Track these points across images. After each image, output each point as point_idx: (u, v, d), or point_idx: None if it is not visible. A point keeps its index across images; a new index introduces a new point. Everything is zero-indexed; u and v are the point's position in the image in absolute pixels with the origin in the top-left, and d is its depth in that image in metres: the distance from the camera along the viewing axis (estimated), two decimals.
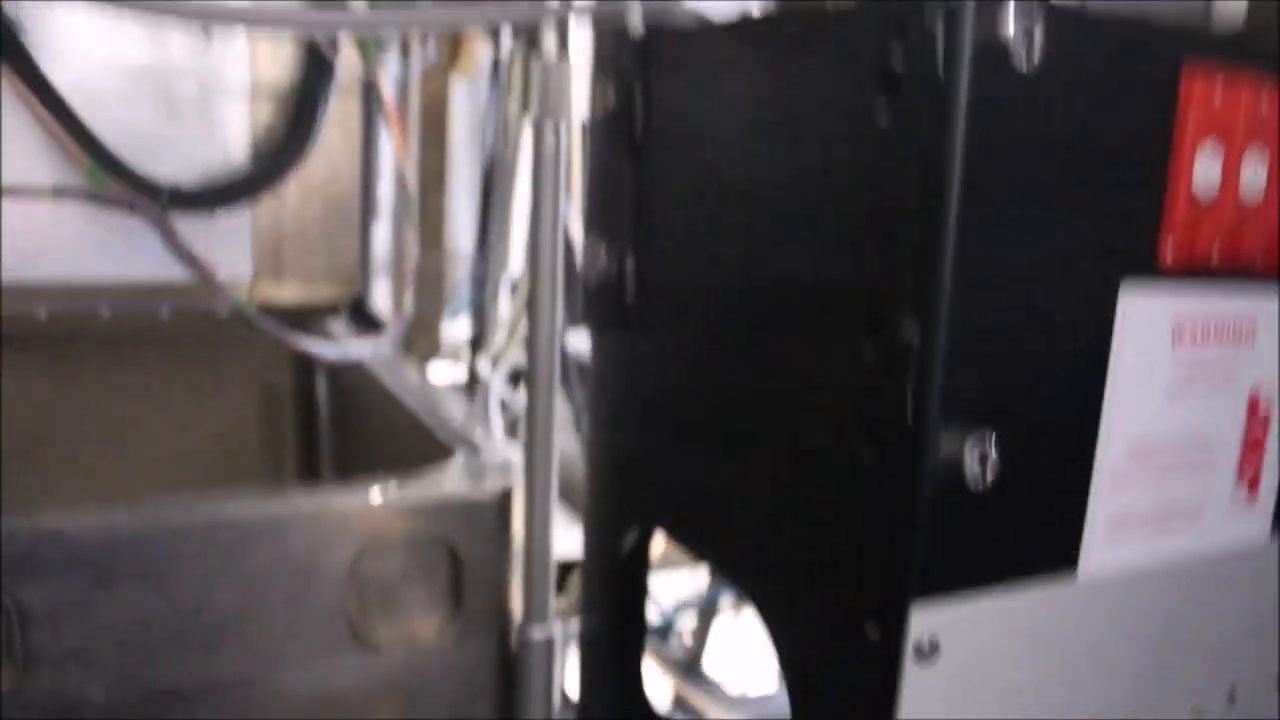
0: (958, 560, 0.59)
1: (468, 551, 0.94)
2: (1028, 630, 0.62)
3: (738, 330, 0.71)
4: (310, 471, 1.58)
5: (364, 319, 1.44)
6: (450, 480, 0.95)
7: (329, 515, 0.89)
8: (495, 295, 1.44)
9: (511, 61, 1.31)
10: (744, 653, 1.25)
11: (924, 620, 0.58)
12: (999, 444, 0.57)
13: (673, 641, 1.19)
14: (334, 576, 0.89)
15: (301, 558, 0.88)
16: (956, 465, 0.56)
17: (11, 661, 0.80)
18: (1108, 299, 0.61)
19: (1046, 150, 0.57)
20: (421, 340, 1.44)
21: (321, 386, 1.55)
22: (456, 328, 1.65)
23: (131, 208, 1.15)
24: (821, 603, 0.64)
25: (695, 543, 0.79)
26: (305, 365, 1.54)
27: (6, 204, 1.11)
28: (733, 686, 1.13)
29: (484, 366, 1.42)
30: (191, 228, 1.20)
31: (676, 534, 0.81)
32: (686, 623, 1.21)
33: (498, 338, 1.42)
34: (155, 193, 1.13)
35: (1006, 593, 0.61)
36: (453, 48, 1.39)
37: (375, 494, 0.91)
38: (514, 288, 1.54)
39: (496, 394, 1.47)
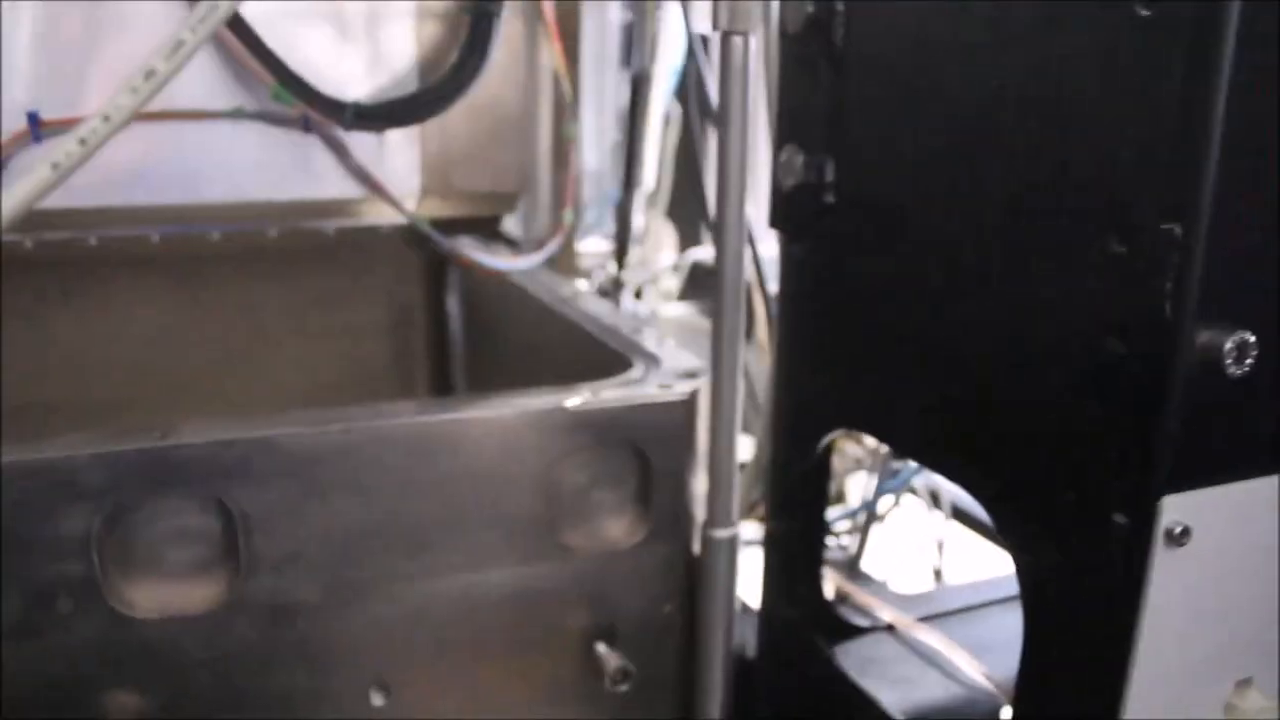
0: (1210, 448, 0.61)
1: (656, 455, 0.96)
2: (1266, 516, 0.64)
3: (957, 233, 0.72)
4: (444, 392, 1.62)
5: (498, 237, 1.47)
6: (638, 385, 0.97)
7: (523, 420, 0.92)
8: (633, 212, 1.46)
9: None
10: (901, 554, 1.28)
11: (1177, 506, 0.60)
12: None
13: (830, 542, 1.22)
14: (528, 481, 0.93)
15: (496, 463, 0.91)
16: (1215, 354, 0.58)
17: (236, 564, 0.85)
18: None
19: None
20: (560, 256, 1.46)
21: (454, 305, 1.58)
22: (585, 246, 1.66)
23: (306, 127, 1.18)
24: (1061, 495, 0.65)
25: (903, 443, 0.82)
26: (437, 283, 1.57)
27: (184, 128, 1.14)
28: (893, 585, 1.16)
29: (634, 277, 1.44)
30: (362, 148, 1.23)
31: (880, 434, 0.83)
32: (842, 527, 1.25)
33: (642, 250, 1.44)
34: (339, 110, 1.15)
35: (1250, 481, 0.62)
36: None
37: (570, 401, 0.93)
38: (648, 201, 1.56)
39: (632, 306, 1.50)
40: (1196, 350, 0.58)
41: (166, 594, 0.84)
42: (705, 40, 1.39)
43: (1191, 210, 0.56)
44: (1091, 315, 0.62)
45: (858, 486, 1.33)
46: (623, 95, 1.55)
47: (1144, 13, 0.58)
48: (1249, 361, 0.58)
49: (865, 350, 0.83)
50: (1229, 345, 0.58)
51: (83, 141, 0.86)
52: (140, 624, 0.83)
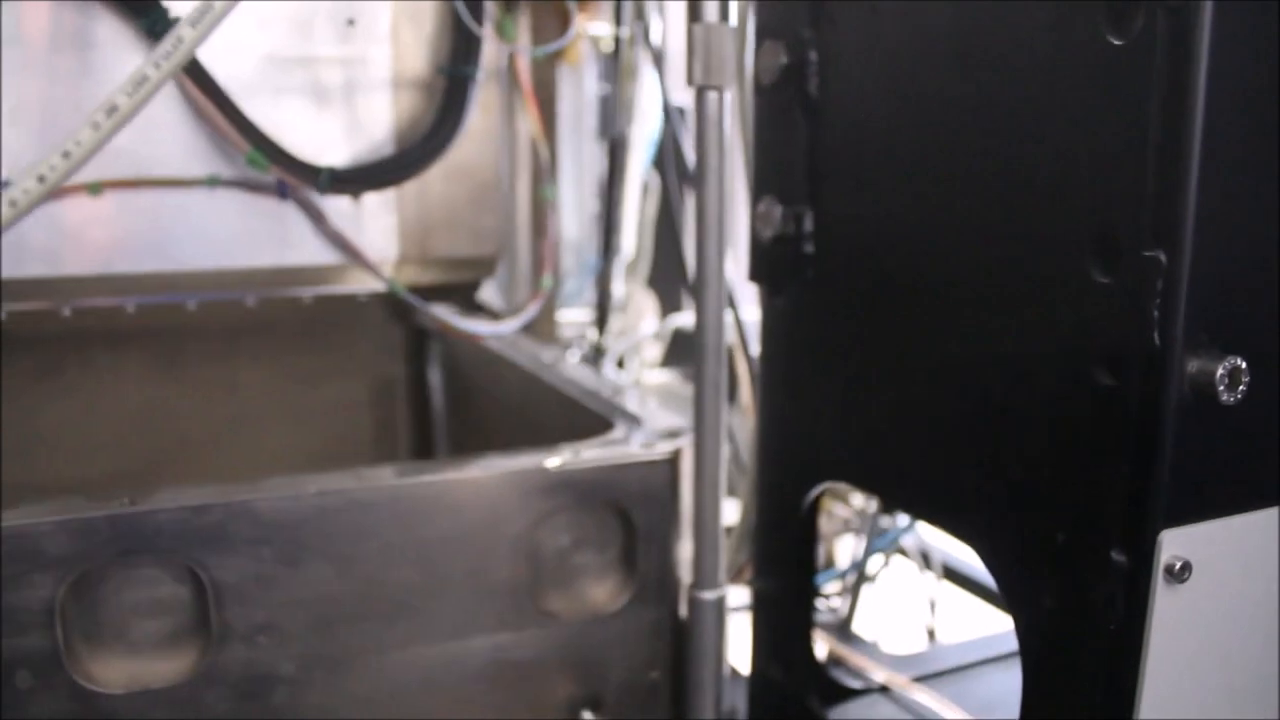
0: (1206, 480, 0.59)
1: (639, 516, 0.95)
2: (1266, 550, 0.62)
3: (940, 276, 0.72)
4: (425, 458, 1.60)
5: (477, 308, 1.46)
6: (621, 446, 0.96)
7: (503, 482, 0.90)
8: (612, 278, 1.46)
9: (630, 43, 1.33)
10: (892, 615, 1.25)
11: (1176, 540, 0.58)
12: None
13: (820, 605, 1.20)
14: (509, 545, 0.91)
15: (477, 526, 0.90)
16: (1207, 381, 0.57)
17: (206, 635, 0.82)
18: None
19: None
20: (540, 325, 1.45)
21: (435, 376, 1.57)
22: (566, 315, 1.66)
23: (282, 194, 1.17)
24: (1057, 536, 0.64)
25: (891, 492, 0.80)
26: (417, 353, 1.56)
27: (161, 196, 1.13)
28: (885, 645, 1.14)
29: (616, 345, 1.43)
30: (339, 214, 1.22)
31: (867, 486, 0.82)
32: (834, 588, 1.22)
33: (624, 318, 1.43)
34: (314, 175, 1.15)
35: (1251, 512, 0.61)
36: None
37: (550, 461, 0.92)
38: (628, 269, 1.55)
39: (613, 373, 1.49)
40: (1187, 379, 0.57)
41: (133, 667, 0.82)
42: (682, 111, 1.40)
43: (1175, 236, 0.56)
44: (1080, 349, 0.61)
45: (846, 549, 1.31)
46: (601, 165, 1.55)
47: (1117, 43, 0.58)
48: (1242, 388, 0.57)
49: (850, 401, 0.81)
50: (1221, 372, 0.57)
51: (41, 179, 0.84)
52: (104, 699, 0.80)
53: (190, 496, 0.81)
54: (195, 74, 1.07)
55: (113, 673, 0.80)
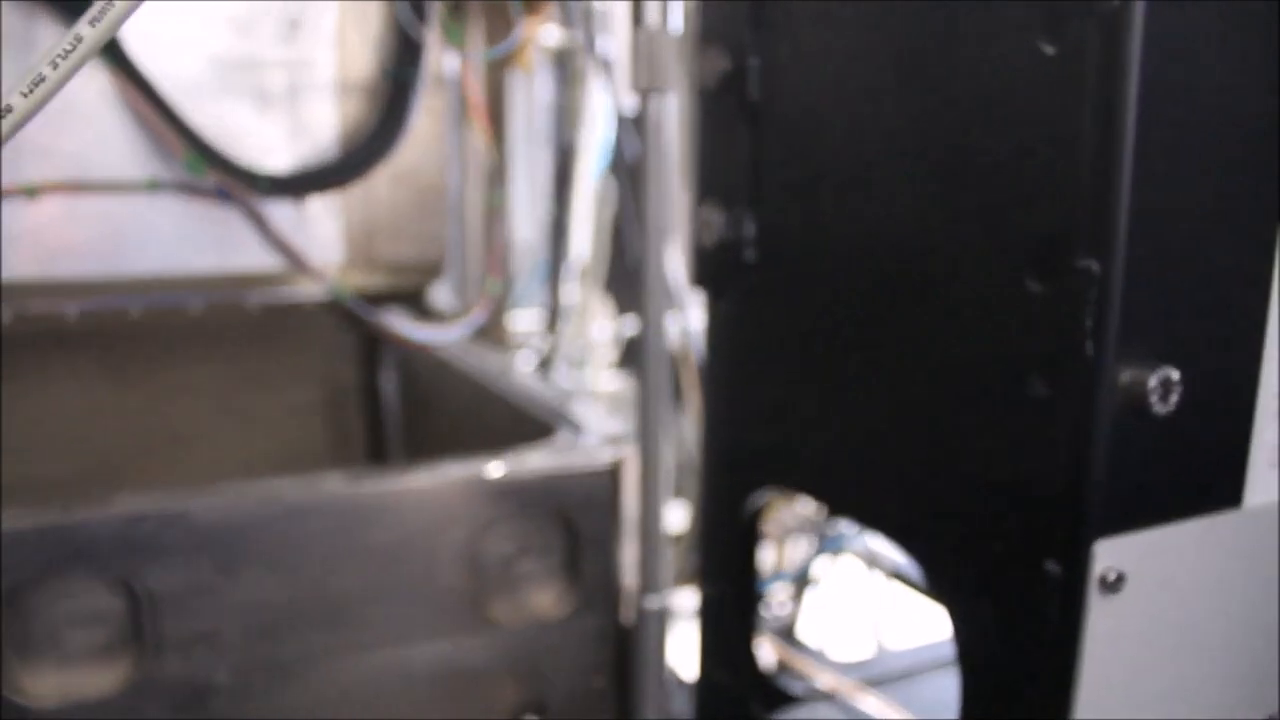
0: (1140, 490, 0.59)
1: (583, 522, 0.94)
2: (1203, 559, 0.63)
3: (879, 282, 0.71)
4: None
5: (426, 313, 1.45)
6: (564, 453, 0.95)
7: (445, 489, 0.90)
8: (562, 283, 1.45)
9: (578, 51, 1.32)
10: (839, 620, 1.25)
11: (1110, 551, 0.58)
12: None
13: (770, 610, 1.19)
14: (452, 552, 0.90)
15: (419, 533, 0.89)
16: (1140, 391, 0.57)
17: (142, 645, 0.81)
18: (1270, 235, 0.61)
19: (1219, 81, 0.57)
20: (492, 330, 1.44)
21: (389, 380, 1.55)
22: (517, 321, 1.65)
23: (224, 197, 1.16)
24: (992, 545, 0.64)
25: (833, 499, 0.80)
26: (370, 358, 1.55)
27: (101, 200, 1.12)
28: (832, 650, 1.13)
29: (568, 350, 1.43)
30: (282, 218, 1.21)
31: (810, 492, 0.81)
32: (779, 593, 1.22)
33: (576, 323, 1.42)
34: (254, 180, 1.13)
35: (1184, 522, 0.61)
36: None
37: (493, 468, 0.91)
38: (582, 274, 1.55)
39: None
40: (1120, 389, 0.57)
41: (66, 679, 0.80)
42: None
43: (1108, 246, 0.56)
44: (1016, 358, 0.61)
45: (796, 553, 1.30)
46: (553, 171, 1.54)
47: (1049, 51, 0.58)
48: (1175, 399, 0.57)
49: (792, 406, 0.81)
50: (1153, 383, 0.57)
51: None
52: (35, 714, 0.78)
53: (124, 506, 0.80)
54: (132, 77, 1.05)
55: (45, 686, 0.79)
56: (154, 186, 1.14)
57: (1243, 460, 0.63)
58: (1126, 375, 0.57)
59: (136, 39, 1.07)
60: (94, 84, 1.10)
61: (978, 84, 0.62)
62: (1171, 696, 0.65)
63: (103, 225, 1.16)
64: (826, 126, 0.75)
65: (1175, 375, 0.57)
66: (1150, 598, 0.61)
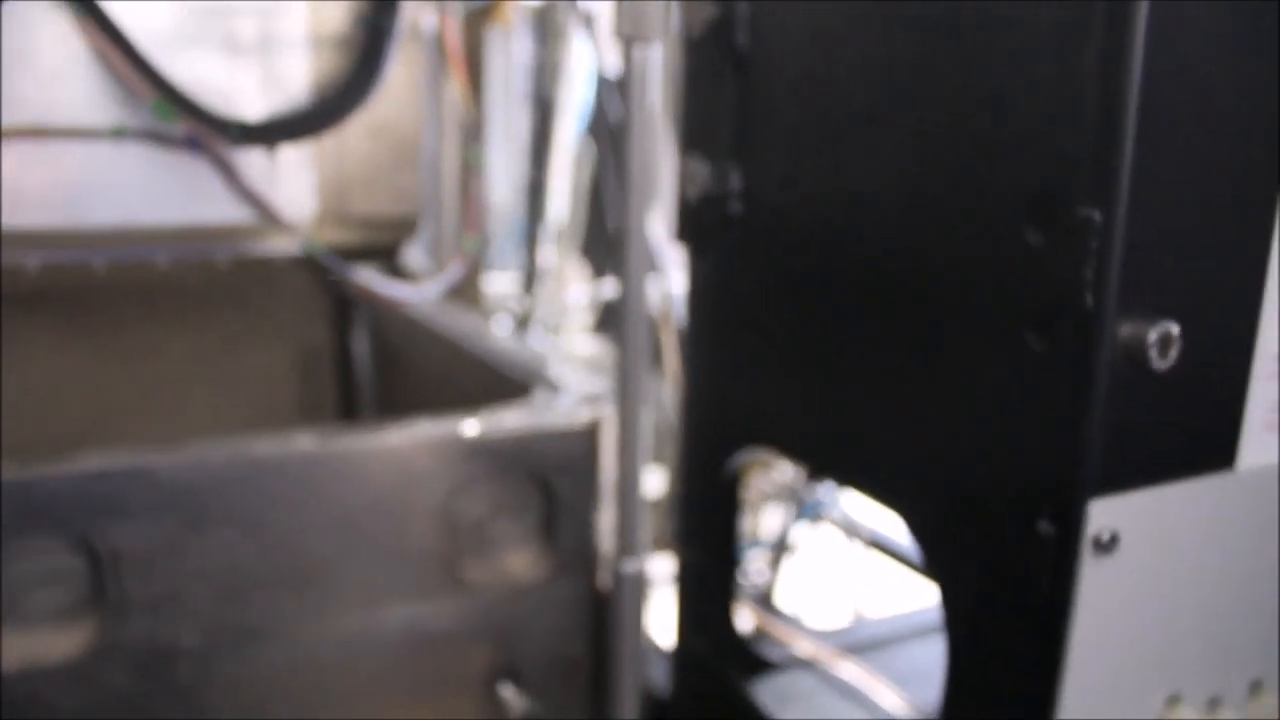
0: (1136, 449, 0.58)
1: (559, 484, 0.92)
2: (1196, 521, 0.61)
3: (869, 236, 0.69)
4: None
5: (400, 272, 1.42)
6: (539, 412, 0.93)
7: (418, 448, 0.87)
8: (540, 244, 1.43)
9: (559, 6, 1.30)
10: (818, 587, 1.24)
11: (1104, 511, 0.57)
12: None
13: (748, 576, 1.18)
14: (425, 513, 0.88)
15: (391, 494, 0.87)
16: (1139, 345, 0.55)
17: (105, 607, 0.78)
18: (1273, 192, 0.60)
19: (1228, 28, 0.55)
20: (467, 291, 1.42)
21: (361, 339, 1.53)
22: (493, 283, 1.63)
23: (193, 146, 1.12)
24: (983, 504, 0.62)
25: (816, 459, 0.78)
26: (343, 317, 1.52)
27: (64, 147, 1.08)
28: (811, 618, 1.12)
29: (545, 312, 1.40)
30: (254, 170, 1.17)
31: (793, 452, 0.80)
32: (756, 560, 1.21)
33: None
34: (223, 127, 1.10)
35: (1179, 482, 0.60)
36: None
37: (467, 427, 0.89)
38: (559, 236, 1.53)
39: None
40: (1119, 343, 0.55)
41: (26, 643, 0.78)
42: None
43: (1110, 195, 0.54)
44: (1012, 312, 0.59)
45: (773, 521, 1.29)
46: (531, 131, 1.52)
47: None
48: (1174, 354, 0.55)
49: (776, 365, 0.79)
50: (1153, 337, 0.55)
51: None
52: None
53: (86, 463, 0.78)
54: (99, 20, 1.02)
55: (5, 650, 0.76)
56: (120, 133, 1.10)
57: (1238, 422, 0.62)
58: (1126, 328, 0.55)
59: None
60: (57, 27, 1.06)
61: (979, 33, 0.60)
62: (1161, 660, 0.63)
63: (66, 174, 1.12)
64: (816, 75, 0.73)
65: (1175, 330, 0.55)
66: (1143, 560, 0.59)
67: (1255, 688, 0.68)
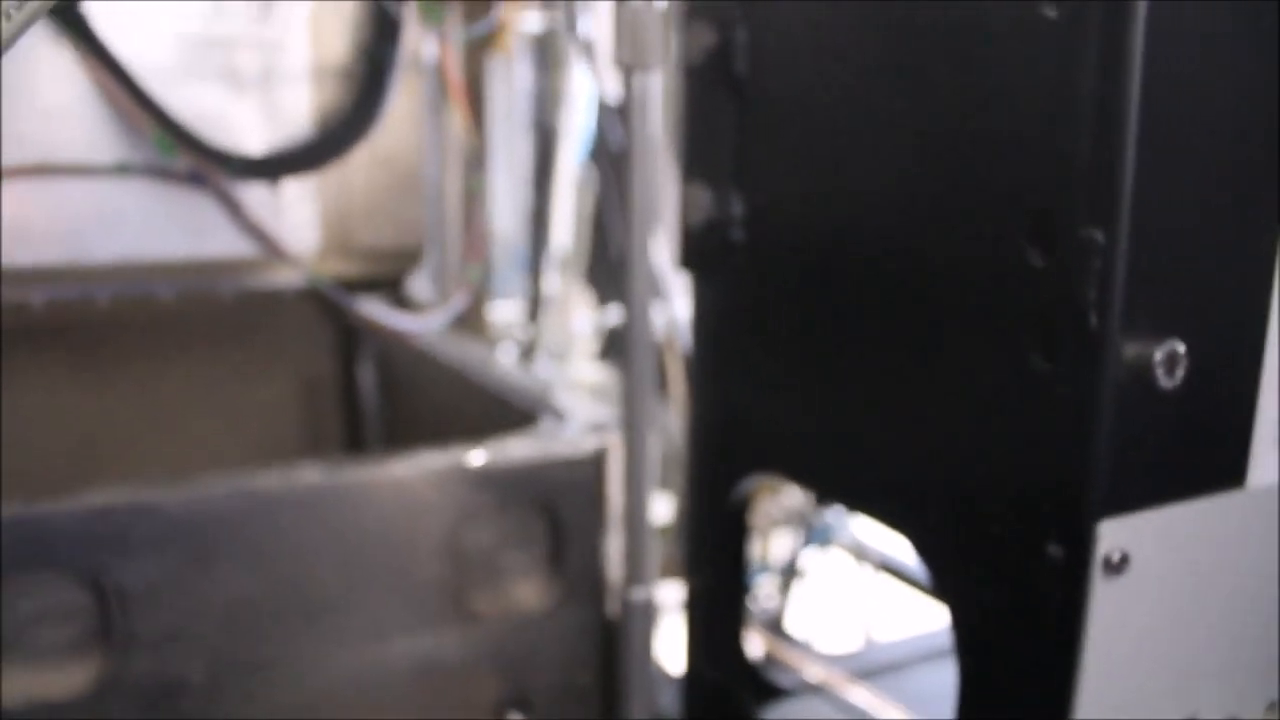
0: (1144, 468, 0.57)
1: (566, 512, 0.92)
2: (1208, 539, 0.61)
3: (872, 260, 0.69)
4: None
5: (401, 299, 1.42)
6: (545, 441, 0.93)
7: (425, 479, 0.87)
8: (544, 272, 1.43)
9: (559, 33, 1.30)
10: (828, 612, 1.24)
11: (1114, 532, 0.56)
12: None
13: (758, 602, 1.18)
14: (432, 543, 0.88)
15: (398, 525, 0.87)
16: (1145, 364, 0.55)
17: (111, 643, 0.78)
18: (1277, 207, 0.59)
19: (1226, 44, 0.55)
20: (471, 320, 1.42)
21: (367, 371, 1.53)
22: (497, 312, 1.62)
23: (196, 181, 1.13)
24: (993, 528, 0.62)
25: (824, 484, 0.78)
26: (347, 349, 1.52)
27: (66, 182, 1.09)
28: (821, 642, 1.12)
29: (550, 339, 1.40)
30: (256, 203, 1.18)
31: (800, 477, 0.80)
32: (765, 586, 1.20)
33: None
34: (226, 161, 1.10)
35: (1189, 501, 0.59)
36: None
37: (473, 457, 0.89)
38: (563, 263, 1.52)
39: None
40: (1125, 363, 0.55)
41: (32, 679, 0.77)
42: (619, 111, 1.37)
43: (1111, 214, 0.54)
44: (1016, 334, 0.59)
45: (781, 546, 1.29)
46: (534, 157, 1.52)
47: (1051, 15, 0.55)
48: (1180, 372, 0.55)
49: (783, 390, 0.79)
50: (1159, 356, 0.55)
51: None
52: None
53: (91, 499, 0.77)
54: (99, 55, 1.02)
55: (10, 686, 0.76)
56: (123, 170, 1.11)
57: (1246, 439, 0.61)
58: (1132, 348, 0.55)
59: (104, 18, 1.04)
60: (60, 63, 1.06)
61: (977, 52, 0.60)
62: (1173, 681, 0.63)
63: (68, 209, 1.12)
64: (815, 100, 0.73)
65: (1181, 348, 0.55)
66: (1154, 581, 0.59)
67: (1272, 708, 0.67)
